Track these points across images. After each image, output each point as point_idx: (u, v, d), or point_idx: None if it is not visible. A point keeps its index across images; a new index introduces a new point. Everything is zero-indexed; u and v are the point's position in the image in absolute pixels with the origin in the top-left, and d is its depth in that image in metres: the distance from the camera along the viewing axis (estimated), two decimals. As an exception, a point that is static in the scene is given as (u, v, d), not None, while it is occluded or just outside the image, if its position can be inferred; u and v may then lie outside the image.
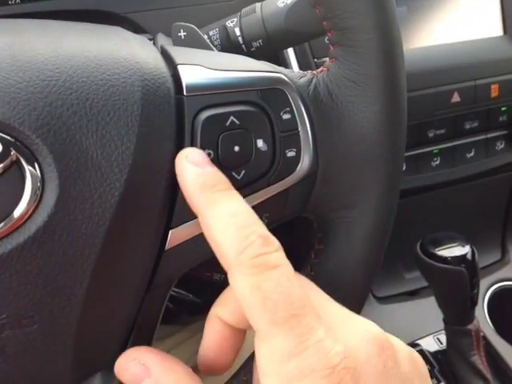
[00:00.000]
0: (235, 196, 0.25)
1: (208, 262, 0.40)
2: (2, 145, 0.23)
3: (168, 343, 0.66)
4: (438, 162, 0.63)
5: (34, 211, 0.23)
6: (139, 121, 0.25)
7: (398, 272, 0.71)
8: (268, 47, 0.40)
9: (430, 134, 0.61)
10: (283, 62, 0.55)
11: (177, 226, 0.27)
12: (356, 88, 0.29)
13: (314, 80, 0.30)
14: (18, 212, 0.23)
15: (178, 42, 0.37)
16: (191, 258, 0.29)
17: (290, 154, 0.29)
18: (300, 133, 0.29)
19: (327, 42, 0.50)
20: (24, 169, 0.23)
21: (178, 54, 0.29)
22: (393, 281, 0.70)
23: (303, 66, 0.55)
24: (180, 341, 0.65)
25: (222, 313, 0.28)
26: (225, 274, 0.39)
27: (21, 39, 0.26)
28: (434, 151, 0.63)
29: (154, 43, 0.42)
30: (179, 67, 0.28)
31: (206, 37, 0.38)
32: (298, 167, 0.29)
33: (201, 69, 0.28)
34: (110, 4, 0.52)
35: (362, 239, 0.31)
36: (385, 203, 0.31)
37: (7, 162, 0.23)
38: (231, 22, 0.40)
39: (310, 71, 0.31)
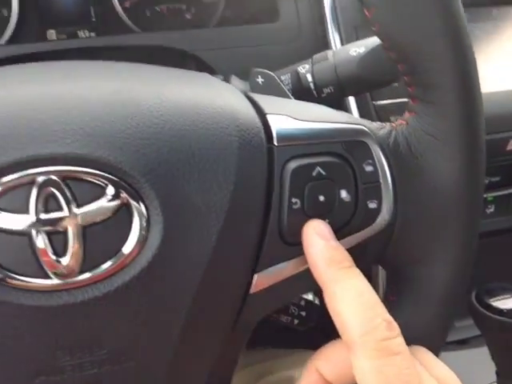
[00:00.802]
0: (359, 274, 0.27)
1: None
2: (114, 187, 0.24)
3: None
4: (492, 210, 0.62)
5: (139, 251, 0.24)
6: (236, 169, 0.26)
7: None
8: (338, 94, 0.41)
9: (485, 181, 0.61)
10: (343, 105, 0.56)
11: (261, 270, 0.28)
12: (435, 143, 0.30)
13: (394, 132, 0.31)
14: (125, 251, 0.24)
15: (255, 88, 0.38)
16: (273, 301, 0.30)
17: (372, 205, 0.29)
18: (381, 184, 0.30)
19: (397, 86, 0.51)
20: (132, 210, 0.24)
21: (266, 103, 0.30)
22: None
23: (362, 107, 0.56)
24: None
25: (322, 367, 0.29)
26: (291, 316, 0.40)
27: (127, 86, 0.27)
28: (489, 198, 0.62)
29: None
30: (268, 117, 0.29)
31: (280, 82, 0.39)
32: (378, 218, 0.30)
33: (289, 119, 0.29)
34: (179, 42, 0.55)
35: (437, 294, 0.31)
36: (462, 258, 0.31)
37: (118, 203, 0.24)
38: (303, 67, 0.41)
39: (388, 123, 0.32)
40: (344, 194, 0.29)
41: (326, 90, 0.41)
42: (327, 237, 0.27)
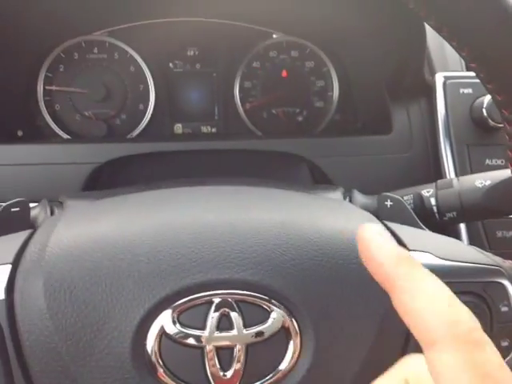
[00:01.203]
0: (430, 273, 0.24)
1: None
2: (277, 313, 0.27)
3: None
4: None
5: (290, 371, 0.27)
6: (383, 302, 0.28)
7: None
8: (460, 219, 0.43)
9: None
10: (441, 166, 0.57)
11: None
12: None
13: None
14: (280, 370, 0.27)
15: (383, 210, 0.41)
16: None
17: (504, 343, 0.30)
18: None
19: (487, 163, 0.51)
20: (290, 335, 0.27)
21: (408, 237, 0.32)
22: None
23: (459, 171, 0.57)
24: None
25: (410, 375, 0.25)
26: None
27: (289, 217, 0.31)
28: None
29: (349, 199, 0.46)
30: (412, 253, 0.31)
31: (406, 206, 0.42)
32: (509, 357, 0.30)
33: (431, 256, 0.31)
34: (296, 147, 0.59)
35: None
36: None
37: (279, 328, 0.27)
38: (427, 191, 0.44)
39: None
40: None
41: (449, 215, 0.43)
42: (387, 237, 0.24)
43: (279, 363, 0.27)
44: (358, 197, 0.46)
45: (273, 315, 0.27)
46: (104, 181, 0.57)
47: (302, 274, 0.28)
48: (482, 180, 0.42)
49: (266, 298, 0.27)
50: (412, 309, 0.23)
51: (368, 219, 0.34)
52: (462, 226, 0.55)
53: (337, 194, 0.46)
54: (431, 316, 0.22)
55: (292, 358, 0.27)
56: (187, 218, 0.30)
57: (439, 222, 0.43)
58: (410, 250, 0.31)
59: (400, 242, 0.32)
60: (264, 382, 0.27)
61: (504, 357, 0.31)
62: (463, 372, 0.21)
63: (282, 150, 0.59)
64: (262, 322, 0.27)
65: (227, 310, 0.27)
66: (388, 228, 0.33)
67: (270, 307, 0.27)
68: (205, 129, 0.73)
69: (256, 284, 0.27)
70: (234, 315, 0.27)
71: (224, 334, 0.26)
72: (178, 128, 0.73)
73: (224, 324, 0.27)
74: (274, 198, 0.34)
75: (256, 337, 0.27)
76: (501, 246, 0.52)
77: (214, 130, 0.73)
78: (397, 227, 0.34)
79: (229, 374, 0.26)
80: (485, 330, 0.30)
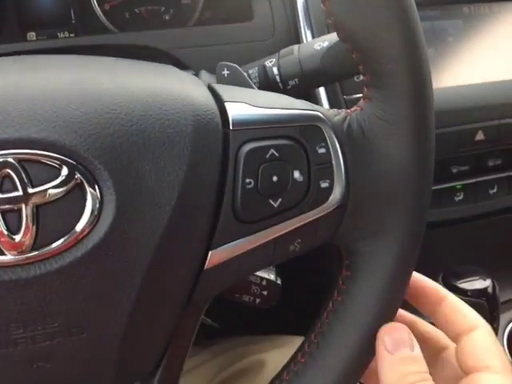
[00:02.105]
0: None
1: (238, 285, 0.43)
2: (68, 168, 0.26)
3: (189, 363, 0.67)
4: (461, 197, 0.65)
5: (92, 229, 0.26)
6: (190, 151, 0.28)
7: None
8: (303, 86, 0.43)
9: (454, 170, 0.63)
10: (314, 99, 0.58)
11: (216, 247, 0.30)
12: (387, 127, 0.31)
13: (348, 118, 0.33)
14: (78, 229, 0.26)
15: (221, 80, 0.40)
16: (227, 277, 0.31)
17: (324, 184, 0.31)
18: (333, 166, 0.31)
19: (356, 79, 0.54)
20: (86, 190, 0.26)
21: (225, 91, 0.32)
22: (413, 313, 0.70)
23: (333, 102, 0.58)
24: (200, 362, 0.67)
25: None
26: (253, 295, 0.42)
27: (87, 75, 0.29)
28: (458, 186, 0.64)
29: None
30: (226, 104, 0.30)
31: (245, 75, 0.41)
32: (331, 197, 0.32)
33: (246, 106, 0.31)
34: (154, 41, 0.56)
35: (389, 268, 0.33)
36: (411, 234, 0.33)
37: (72, 184, 0.26)
38: (270, 61, 0.43)
39: (344, 110, 0.34)
40: (297, 174, 0.31)
41: (291, 83, 0.43)
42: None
43: (75, 224, 0.26)
44: (205, 75, 0.45)
45: (63, 172, 0.26)
46: None
47: (96, 127, 0.26)
48: (321, 42, 0.42)
49: (54, 155, 0.25)
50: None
51: (188, 78, 0.33)
52: (325, 101, 0.57)
53: None
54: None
55: (90, 218, 0.26)
56: None
57: (284, 91, 0.43)
58: (224, 101, 0.31)
59: (215, 95, 0.31)
60: (60, 244, 0.26)
61: (326, 198, 0.32)
62: None
63: (138, 44, 0.57)
64: (52, 180, 0.25)
65: (8, 170, 0.25)
66: (210, 88, 0.33)
67: (59, 165, 0.26)
68: (61, 35, 0.68)
69: (42, 141, 0.25)
70: (17, 175, 0.25)
71: (7, 195, 0.25)
72: (32, 36, 0.67)
73: (8, 186, 0.25)
74: (82, 62, 0.32)
75: (45, 196, 0.25)
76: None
77: (72, 35, 0.68)
78: (219, 86, 0.33)
79: (17, 237, 0.25)
80: (302, 173, 0.31)
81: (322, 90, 0.58)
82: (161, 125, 0.28)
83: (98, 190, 0.26)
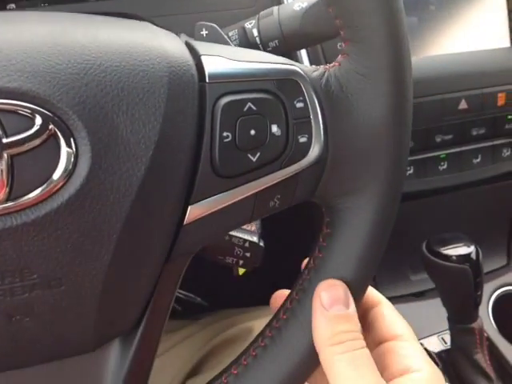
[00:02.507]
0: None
1: (221, 247, 0.43)
2: (42, 119, 0.25)
3: (178, 336, 0.68)
4: (445, 167, 0.65)
5: (67, 180, 0.26)
6: (165, 102, 0.28)
7: (404, 273, 0.72)
8: (283, 47, 0.43)
9: (438, 139, 0.63)
10: (296, 61, 0.58)
11: (195, 202, 0.29)
12: (365, 81, 0.31)
13: (327, 74, 0.33)
14: (54, 179, 0.26)
15: (199, 40, 0.40)
16: (207, 233, 0.31)
17: (302, 139, 0.31)
18: (312, 120, 0.31)
19: (339, 48, 0.53)
20: (60, 141, 0.26)
21: (202, 46, 0.31)
22: (399, 282, 0.71)
23: (315, 64, 0.58)
24: (189, 334, 0.67)
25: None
26: (236, 257, 0.42)
27: (61, 28, 0.28)
28: (442, 156, 0.65)
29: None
30: (202, 57, 0.30)
31: (226, 37, 0.41)
32: (309, 152, 0.31)
33: (222, 59, 0.30)
34: (135, 8, 0.56)
35: (367, 224, 0.33)
36: (390, 189, 0.33)
37: (45, 134, 0.25)
38: (250, 23, 0.43)
39: (322, 66, 0.34)
40: (275, 128, 0.30)
41: (272, 44, 0.42)
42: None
43: (51, 175, 0.26)
44: (184, 37, 0.44)
45: (37, 122, 0.25)
46: None
47: (70, 77, 0.26)
48: (300, 3, 0.41)
49: (27, 105, 0.25)
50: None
51: (164, 33, 0.32)
52: (305, 58, 0.56)
53: None
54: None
55: (65, 169, 0.26)
56: None
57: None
58: (200, 55, 0.30)
59: (191, 49, 0.31)
60: (35, 194, 0.25)
61: (305, 152, 0.32)
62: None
63: (117, 11, 0.56)
64: (26, 130, 0.25)
65: None
66: (187, 43, 0.32)
67: (33, 115, 0.25)
68: (41, 4, 0.67)
69: (15, 91, 0.25)
70: None
71: None
72: (12, 7, 0.66)
73: None
74: (57, 15, 0.31)
75: (20, 146, 0.25)
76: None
77: (47, 5, 0.67)
78: (196, 42, 0.33)
79: None
80: (280, 127, 0.31)
81: (303, 53, 0.57)
82: (135, 76, 0.27)
83: (72, 141, 0.26)
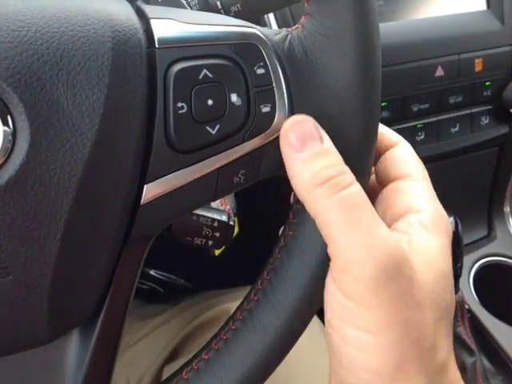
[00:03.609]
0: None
1: (188, 228, 0.40)
2: None
3: (155, 322, 0.67)
4: (422, 137, 0.63)
5: (5, 160, 0.24)
6: (110, 71, 0.25)
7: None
8: (247, 11, 0.40)
9: (415, 109, 0.61)
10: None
11: (152, 180, 0.27)
12: (330, 43, 0.29)
13: (289, 37, 0.30)
14: None
15: (154, 5, 0.37)
16: (167, 213, 0.29)
17: (265, 109, 0.29)
18: (274, 88, 0.29)
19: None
20: None
21: (152, 9, 0.29)
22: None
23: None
24: (167, 319, 0.66)
25: None
26: (205, 238, 0.40)
27: None
28: (419, 125, 0.63)
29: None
30: (152, 21, 0.27)
31: (184, 2, 0.38)
32: (274, 123, 0.29)
33: (174, 23, 0.28)
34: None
35: None
36: (360, 158, 0.31)
37: None
38: (210, -13, 0.40)
39: (284, 28, 0.31)
40: (234, 97, 0.28)
41: (234, 9, 0.39)
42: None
43: None
44: (141, 3, 0.42)
45: None
46: None
47: (2, 47, 0.23)
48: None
49: None
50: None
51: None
52: (273, 23, 0.54)
53: None
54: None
55: (2, 148, 0.23)
56: None
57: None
58: (149, 18, 0.28)
59: (140, 13, 0.28)
60: None
61: (269, 124, 0.29)
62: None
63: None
64: None
65: None
66: (136, 6, 0.29)
67: None
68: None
69: None
70: None
71: None
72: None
73: None
74: None
75: None
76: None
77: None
78: (146, 5, 0.30)
79: None
80: (240, 96, 0.29)
81: (272, 18, 0.55)
82: (75, 42, 0.25)
83: (9, 117, 0.24)
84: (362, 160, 0.31)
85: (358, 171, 0.30)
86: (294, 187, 0.28)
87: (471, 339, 0.56)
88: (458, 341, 0.57)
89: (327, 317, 0.29)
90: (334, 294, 0.28)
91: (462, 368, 0.55)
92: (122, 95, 0.25)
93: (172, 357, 0.62)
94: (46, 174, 0.24)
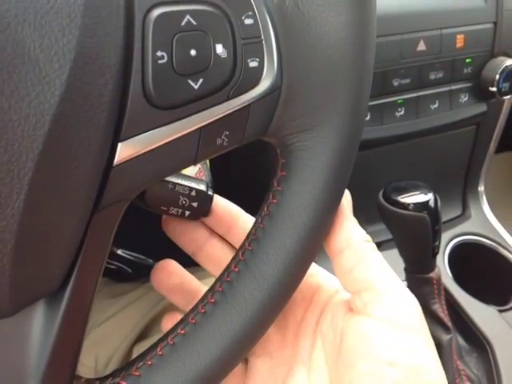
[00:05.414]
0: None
1: (164, 197, 0.38)
2: None
3: (125, 300, 0.65)
4: (402, 113, 0.62)
5: None
6: (83, 11, 0.22)
7: (360, 225, 0.70)
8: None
9: (395, 83, 0.60)
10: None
11: (126, 138, 0.25)
12: None
13: None
14: None
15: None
16: (143, 176, 0.26)
17: (253, 64, 0.27)
18: (263, 41, 0.27)
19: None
20: None
21: None
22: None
23: None
24: (137, 297, 0.64)
25: None
26: (182, 208, 0.37)
27: None
28: (399, 101, 0.62)
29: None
30: None
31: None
32: (261, 80, 0.27)
33: None
34: None
35: (326, 164, 0.29)
36: (349, 125, 0.29)
37: None
38: None
39: None
40: (220, 49, 0.26)
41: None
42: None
43: None
44: None
45: None
46: None
47: None
48: None
49: None
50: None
51: None
52: None
53: None
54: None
55: None
56: None
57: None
58: None
59: None
60: None
61: (256, 80, 0.27)
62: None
63: None
64: None
65: None
66: None
67: None
68: None
69: None
70: None
71: None
72: None
73: None
74: None
75: None
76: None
77: None
78: None
79: None
80: (226, 48, 0.26)
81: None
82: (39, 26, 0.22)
83: None
84: (354, 116, 0.29)
85: (350, 126, 0.29)
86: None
87: (447, 317, 0.56)
88: (433, 318, 0.57)
89: None
90: None
91: (438, 345, 0.55)
92: (96, 40, 0.23)
93: (142, 336, 0.60)
94: (9, 125, 0.22)
